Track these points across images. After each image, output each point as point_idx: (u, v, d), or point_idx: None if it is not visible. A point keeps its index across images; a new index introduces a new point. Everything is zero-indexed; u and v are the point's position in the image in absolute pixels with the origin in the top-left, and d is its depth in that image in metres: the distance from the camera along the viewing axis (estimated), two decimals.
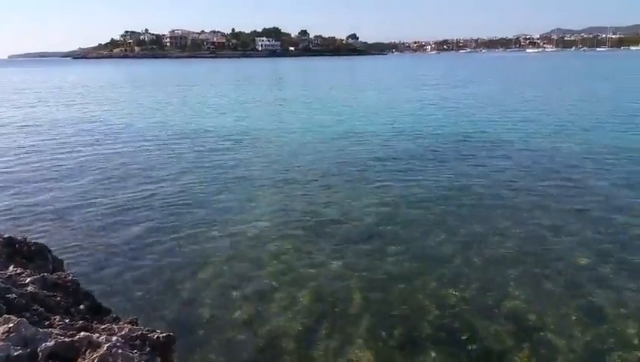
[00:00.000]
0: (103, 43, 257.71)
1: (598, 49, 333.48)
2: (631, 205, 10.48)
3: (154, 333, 4.32)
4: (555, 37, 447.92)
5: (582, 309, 6.49)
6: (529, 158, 14.92)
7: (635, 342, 5.79)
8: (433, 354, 5.64)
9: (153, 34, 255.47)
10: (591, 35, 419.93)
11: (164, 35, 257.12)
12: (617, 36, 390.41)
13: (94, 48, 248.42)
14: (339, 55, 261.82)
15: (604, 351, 5.66)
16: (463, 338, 5.93)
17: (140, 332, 4.07)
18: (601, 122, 21.76)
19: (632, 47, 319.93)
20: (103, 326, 3.61)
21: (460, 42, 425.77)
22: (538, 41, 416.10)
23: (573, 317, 6.30)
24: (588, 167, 13.74)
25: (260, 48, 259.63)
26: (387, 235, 9.16)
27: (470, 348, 5.74)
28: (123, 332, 3.74)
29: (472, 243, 8.67)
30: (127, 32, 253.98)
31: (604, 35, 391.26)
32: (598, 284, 7.13)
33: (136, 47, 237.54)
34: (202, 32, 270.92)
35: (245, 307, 6.78)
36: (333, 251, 8.50)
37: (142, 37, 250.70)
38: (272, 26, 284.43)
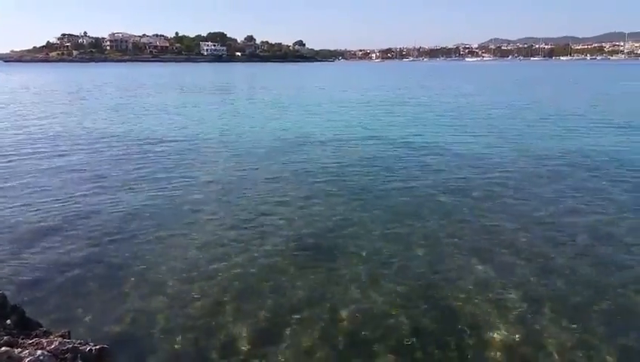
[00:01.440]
0: (38, 46, 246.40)
1: (532, 58, 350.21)
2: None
3: (86, 346, 4.27)
4: (492, 46, 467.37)
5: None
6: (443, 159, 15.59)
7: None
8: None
9: (92, 37, 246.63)
10: (526, 45, 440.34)
11: (103, 38, 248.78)
12: (549, 47, 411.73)
13: (29, 51, 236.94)
14: (286, 61, 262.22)
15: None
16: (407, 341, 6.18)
17: (70, 346, 4.02)
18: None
19: (562, 58, 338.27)
20: (31, 341, 3.55)
21: (403, 51, 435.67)
22: (477, 51, 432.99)
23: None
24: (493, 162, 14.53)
25: (205, 53, 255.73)
26: (334, 239, 9.36)
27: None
28: (52, 346, 3.69)
29: (415, 242, 9.01)
30: (64, 34, 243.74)
31: (537, 46, 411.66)
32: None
33: (74, 51, 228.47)
34: (144, 35, 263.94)
35: (190, 318, 6.76)
36: (284, 258, 8.59)
37: (80, 40, 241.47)
38: (217, 31, 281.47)
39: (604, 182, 13.40)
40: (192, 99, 44.07)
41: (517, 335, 6.22)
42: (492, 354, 5.90)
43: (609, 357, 5.80)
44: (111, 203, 11.81)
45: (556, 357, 5.82)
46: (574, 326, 6.40)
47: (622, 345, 6.02)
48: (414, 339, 6.18)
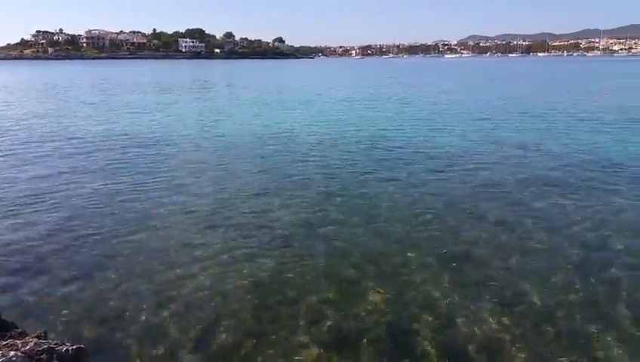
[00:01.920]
0: (12, 43, 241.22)
1: (510, 55, 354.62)
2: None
3: (63, 346, 4.24)
4: (471, 43, 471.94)
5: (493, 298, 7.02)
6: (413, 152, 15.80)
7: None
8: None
9: (68, 34, 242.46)
10: (504, 42, 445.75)
11: (80, 35, 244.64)
12: (527, 43, 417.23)
13: (2, 49, 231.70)
14: (265, 58, 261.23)
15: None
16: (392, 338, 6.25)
17: (46, 346, 3.99)
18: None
19: (540, 54, 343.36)
20: (5, 342, 3.52)
21: (383, 47, 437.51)
22: (456, 47, 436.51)
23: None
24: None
25: (183, 50, 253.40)
26: (312, 236, 9.40)
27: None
28: (27, 347, 3.65)
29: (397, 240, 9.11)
30: (39, 31, 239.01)
31: (515, 42, 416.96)
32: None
33: (49, 48, 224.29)
34: (121, 32, 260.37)
35: (169, 317, 6.73)
36: (265, 254, 8.59)
37: (56, 37, 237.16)
38: (196, 27, 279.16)
39: (569, 174, 13.70)
40: (169, 97, 43.65)
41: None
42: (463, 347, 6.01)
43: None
44: (88, 202, 11.68)
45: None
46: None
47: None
48: (398, 338, 6.25)
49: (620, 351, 5.87)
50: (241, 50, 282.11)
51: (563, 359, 5.73)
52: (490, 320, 6.54)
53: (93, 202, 11.70)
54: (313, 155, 17.01)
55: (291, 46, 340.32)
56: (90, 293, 7.34)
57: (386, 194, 12.17)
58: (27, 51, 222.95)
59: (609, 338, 6.12)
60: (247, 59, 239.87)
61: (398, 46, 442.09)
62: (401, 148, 18.19)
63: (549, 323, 6.46)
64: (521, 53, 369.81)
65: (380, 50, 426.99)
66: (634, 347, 5.96)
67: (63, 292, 7.38)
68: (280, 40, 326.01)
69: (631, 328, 6.34)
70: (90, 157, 16.97)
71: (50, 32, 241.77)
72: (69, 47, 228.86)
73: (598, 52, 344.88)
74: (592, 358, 5.77)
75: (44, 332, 4.96)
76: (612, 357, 5.79)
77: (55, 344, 4.23)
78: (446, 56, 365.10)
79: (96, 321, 6.57)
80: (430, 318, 6.60)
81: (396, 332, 6.30)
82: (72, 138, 20.77)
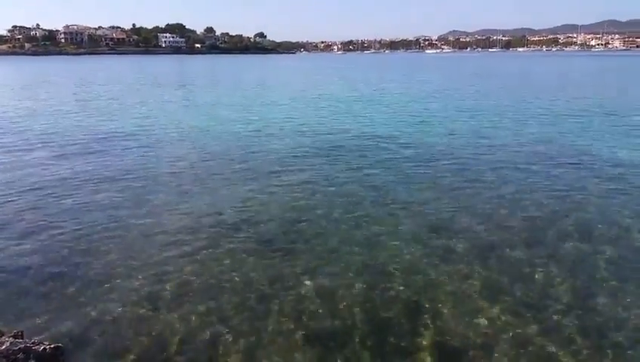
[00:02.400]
0: None
1: (490, 50, 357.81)
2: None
3: (40, 346, 4.37)
4: (451, 38, 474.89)
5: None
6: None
7: None
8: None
9: (46, 29, 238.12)
10: (484, 37, 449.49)
11: (58, 30, 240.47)
12: (506, 38, 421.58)
13: None
14: (247, 53, 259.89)
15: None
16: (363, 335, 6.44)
17: (23, 346, 4.11)
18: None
19: (519, 49, 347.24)
20: None
21: (364, 43, 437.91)
22: (436, 43, 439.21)
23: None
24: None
25: (163, 45, 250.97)
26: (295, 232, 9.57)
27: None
28: (3, 347, 3.76)
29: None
30: (15, 26, 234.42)
31: (495, 37, 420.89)
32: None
33: (26, 44, 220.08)
34: (100, 27, 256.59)
35: (148, 315, 6.79)
36: (245, 250, 8.70)
37: (33, 32, 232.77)
38: (176, 22, 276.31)
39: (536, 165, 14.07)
40: (149, 94, 43.32)
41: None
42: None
43: None
44: (67, 199, 11.67)
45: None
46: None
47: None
48: (375, 333, 6.46)
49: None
50: (222, 45, 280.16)
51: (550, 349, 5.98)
52: (479, 315, 6.77)
53: (73, 199, 11.70)
54: (296, 152, 17.13)
55: (273, 41, 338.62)
56: (70, 291, 7.39)
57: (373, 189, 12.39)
58: (3, 47, 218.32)
59: (589, 325, 6.40)
60: (229, 55, 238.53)
61: (379, 41, 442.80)
62: (385, 143, 18.40)
63: (534, 313, 6.74)
64: (501, 48, 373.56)
65: (362, 46, 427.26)
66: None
67: (41, 290, 7.40)
68: (261, 35, 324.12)
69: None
70: (66, 153, 16.86)
71: (27, 28, 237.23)
72: (46, 43, 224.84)
73: (576, 47, 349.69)
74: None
75: (21, 332, 5.06)
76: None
77: (32, 343, 4.35)
78: (427, 51, 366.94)
79: (75, 319, 6.62)
80: (411, 310, 6.79)
81: (381, 325, 6.49)
82: (51, 133, 20.61)
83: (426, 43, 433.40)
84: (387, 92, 42.69)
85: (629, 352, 5.95)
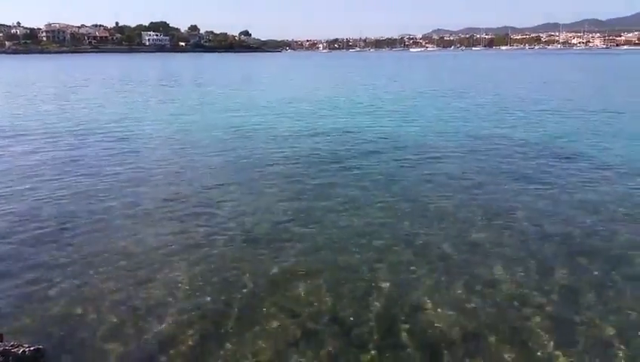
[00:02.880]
0: None
1: (473, 48, 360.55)
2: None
3: (19, 348, 4.37)
4: (435, 37, 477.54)
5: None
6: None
7: None
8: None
9: (27, 27, 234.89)
10: (468, 36, 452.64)
11: (39, 28, 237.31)
12: (490, 37, 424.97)
13: None
14: (232, 51, 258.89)
15: None
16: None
17: (1, 348, 4.11)
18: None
19: (502, 47, 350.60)
20: None
21: (349, 41, 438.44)
22: (421, 41, 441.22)
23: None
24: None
25: (147, 43, 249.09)
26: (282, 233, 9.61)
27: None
28: None
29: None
30: None
31: (478, 36, 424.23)
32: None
33: (6, 42, 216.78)
34: (82, 25, 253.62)
35: (130, 318, 6.72)
36: (231, 251, 8.72)
37: (13, 30, 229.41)
38: (159, 21, 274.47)
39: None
40: (131, 93, 42.99)
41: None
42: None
43: None
44: (46, 199, 11.56)
45: None
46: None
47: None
48: (357, 329, 6.53)
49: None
50: (206, 43, 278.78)
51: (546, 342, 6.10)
52: (460, 305, 6.87)
53: (52, 199, 11.59)
54: (282, 153, 17.18)
55: (258, 39, 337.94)
56: (51, 293, 7.34)
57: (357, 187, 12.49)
58: None
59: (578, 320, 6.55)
60: (213, 53, 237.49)
61: (364, 40, 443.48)
62: (372, 143, 18.50)
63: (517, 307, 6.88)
64: (484, 46, 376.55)
65: (347, 44, 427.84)
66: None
67: (22, 292, 7.35)
68: (246, 33, 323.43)
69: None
70: (47, 152, 16.72)
71: (7, 25, 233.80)
72: (27, 42, 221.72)
73: (559, 45, 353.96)
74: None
75: (1, 335, 5.04)
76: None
77: (12, 345, 4.34)
78: (411, 50, 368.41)
79: (56, 321, 6.57)
80: (394, 305, 6.92)
81: (354, 324, 6.56)
82: (32, 131, 20.41)
83: (411, 41, 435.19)
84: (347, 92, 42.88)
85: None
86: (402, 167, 14.79)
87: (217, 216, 10.53)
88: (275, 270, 8.04)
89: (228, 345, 6.09)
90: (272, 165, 15.07)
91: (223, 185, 12.93)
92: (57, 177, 13.77)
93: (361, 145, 18.15)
